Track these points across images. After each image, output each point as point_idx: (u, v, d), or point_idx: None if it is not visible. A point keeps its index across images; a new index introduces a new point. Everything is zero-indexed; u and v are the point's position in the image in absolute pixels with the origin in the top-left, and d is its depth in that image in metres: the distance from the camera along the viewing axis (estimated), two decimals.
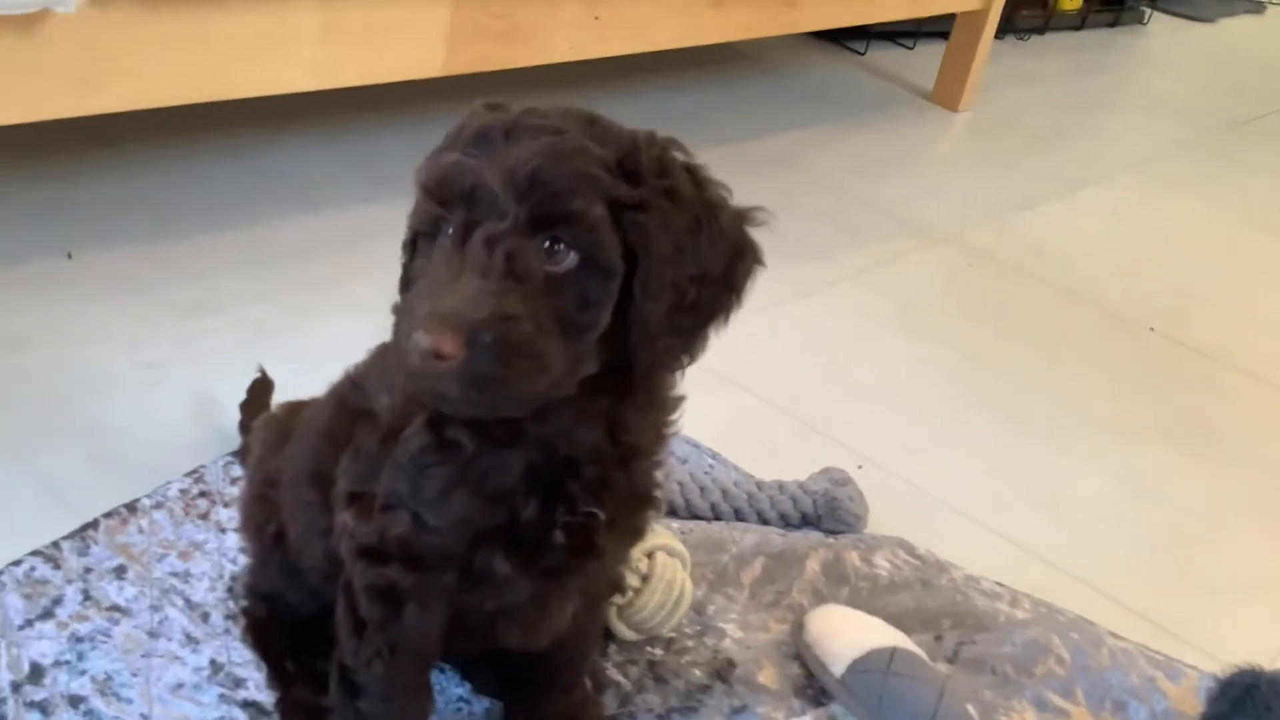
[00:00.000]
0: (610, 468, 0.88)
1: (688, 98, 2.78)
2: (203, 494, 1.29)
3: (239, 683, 1.08)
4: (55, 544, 1.19)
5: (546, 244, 0.76)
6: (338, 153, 2.18)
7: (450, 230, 0.77)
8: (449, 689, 1.12)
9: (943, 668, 1.23)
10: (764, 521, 1.41)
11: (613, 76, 2.61)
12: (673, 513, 1.40)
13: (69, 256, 1.70)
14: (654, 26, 2.18)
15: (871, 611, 1.25)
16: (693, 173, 0.83)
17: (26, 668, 1.06)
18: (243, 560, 1.19)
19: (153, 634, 1.11)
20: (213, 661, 1.10)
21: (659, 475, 0.94)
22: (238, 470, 1.32)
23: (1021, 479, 1.64)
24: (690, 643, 1.22)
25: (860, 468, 1.54)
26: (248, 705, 1.07)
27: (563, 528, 0.88)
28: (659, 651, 1.20)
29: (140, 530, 1.23)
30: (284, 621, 1.11)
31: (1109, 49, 4.02)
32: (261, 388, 1.37)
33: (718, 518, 1.41)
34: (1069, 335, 2.06)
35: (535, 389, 0.76)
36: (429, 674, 1.01)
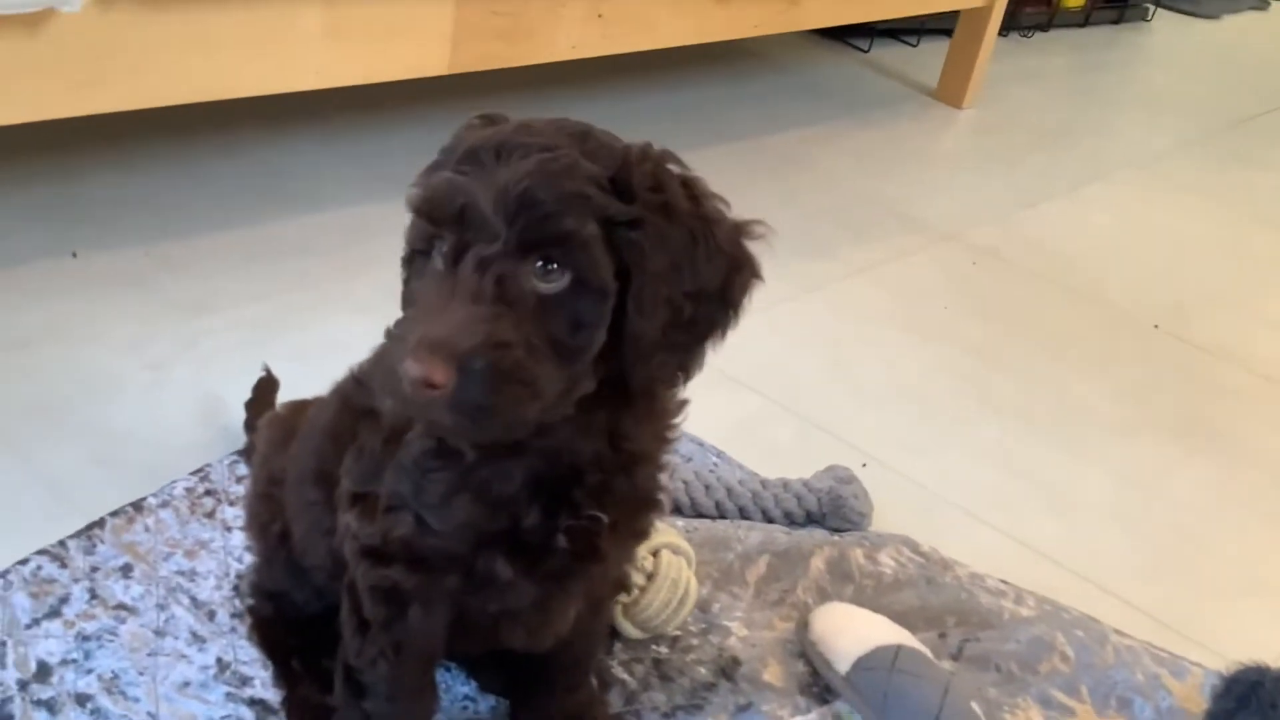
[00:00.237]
0: (612, 474, 0.88)
1: (691, 95, 2.78)
2: (208, 493, 1.29)
3: (245, 681, 1.09)
4: (62, 543, 1.19)
5: (539, 264, 0.75)
6: (341, 152, 2.18)
7: (442, 251, 0.77)
8: (455, 687, 1.13)
9: (947, 665, 1.23)
10: (769, 519, 1.41)
11: (617, 74, 2.61)
12: (677, 511, 1.40)
13: (73, 256, 1.71)
14: (658, 24, 2.18)
15: (876, 609, 1.26)
16: (689, 186, 0.81)
17: (34, 666, 1.06)
18: (248, 559, 1.19)
19: (159, 632, 1.12)
20: (219, 660, 1.10)
21: (662, 478, 0.94)
22: (243, 469, 1.32)
23: (1026, 477, 1.64)
24: (695, 641, 1.22)
25: (864, 466, 1.54)
26: (254, 703, 1.07)
27: (565, 532, 0.88)
28: (664, 649, 1.20)
29: (146, 529, 1.23)
30: (290, 620, 1.11)
31: (1113, 46, 4.02)
32: (266, 386, 1.37)
33: (722, 516, 1.41)
34: (1073, 333, 2.06)
35: (528, 415, 0.76)
36: (434, 673, 1.01)
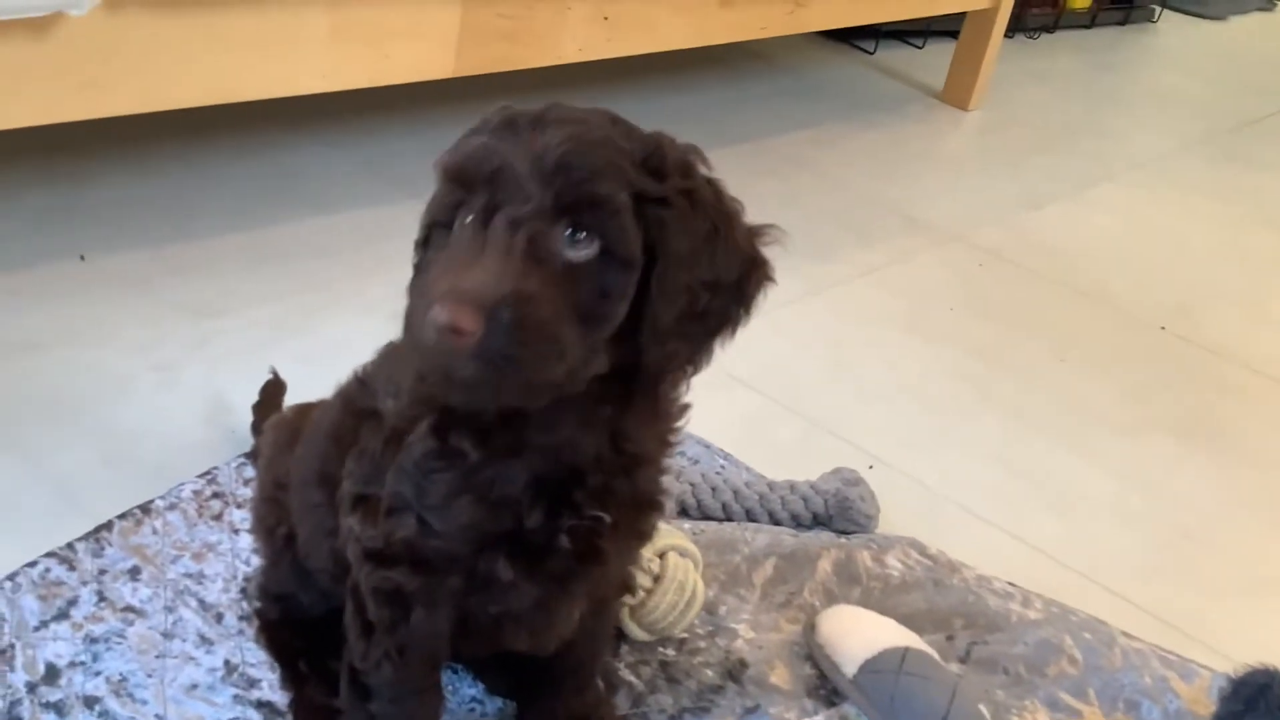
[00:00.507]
0: (614, 475, 0.88)
1: (697, 97, 2.78)
2: (216, 495, 1.30)
3: (253, 683, 1.09)
4: (70, 545, 1.20)
5: (569, 232, 0.76)
6: (349, 154, 2.19)
7: (470, 215, 0.77)
8: (461, 689, 1.13)
9: (955, 668, 1.23)
10: (775, 522, 1.41)
11: (622, 76, 2.61)
12: (684, 513, 1.40)
13: (81, 259, 1.71)
14: (663, 27, 2.18)
15: (883, 611, 1.25)
16: (711, 184, 0.83)
17: (42, 669, 1.06)
18: (255, 561, 1.19)
19: (167, 635, 1.12)
20: (227, 662, 1.10)
21: (667, 480, 0.94)
22: (250, 472, 1.32)
23: (1032, 478, 1.64)
24: (702, 643, 1.22)
25: (871, 467, 1.54)
26: (261, 706, 1.07)
27: (567, 532, 0.88)
28: (671, 652, 1.20)
29: (154, 531, 1.24)
30: (296, 622, 1.12)
31: (1119, 47, 4.01)
32: (274, 389, 1.37)
33: (729, 518, 1.41)
34: (1079, 334, 2.06)
35: (549, 375, 0.75)
36: (439, 675, 1.01)
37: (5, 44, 1.37)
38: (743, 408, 1.66)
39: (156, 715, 1.04)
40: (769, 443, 1.59)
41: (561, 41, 2.01)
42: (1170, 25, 4.33)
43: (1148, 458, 1.74)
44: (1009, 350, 1.96)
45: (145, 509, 1.26)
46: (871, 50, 3.36)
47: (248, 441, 1.35)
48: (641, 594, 1.16)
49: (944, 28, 3.36)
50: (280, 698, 1.08)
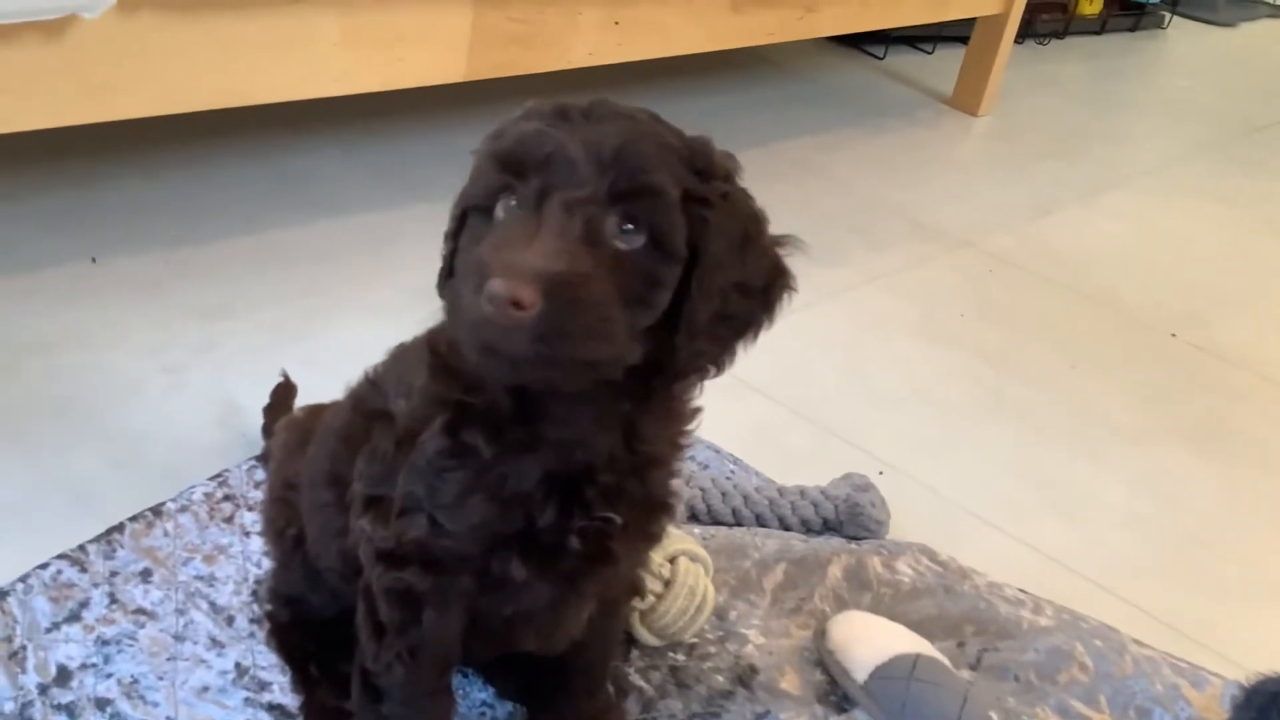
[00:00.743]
0: (626, 476, 0.88)
1: (707, 102, 2.78)
2: (227, 498, 1.30)
3: (264, 686, 1.09)
4: (81, 547, 1.20)
5: (619, 221, 0.76)
6: (360, 158, 2.19)
7: (514, 199, 0.77)
8: (472, 693, 1.13)
9: (965, 675, 1.22)
10: (785, 527, 1.41)
11: (632, 81, 2.62)
12: (694, 518, 1.40)
13: (93, 261, 1.71)
14: (673, 32, 2.19)
15: (894, 618, 1.25)
16: (744, 191, 0.85)
17: (54, 670, 1.06)
18: (267, 564, 1.19)
19: (178, 637, 1.12)
20: (238, 665, 1.10)
21: (675, 483, 0.94)
22: (261, 474, 1.33)
23: (1043, 485, 1.64)
24: (712, 648, 1.22)
25: (881, 473, 1.54)
26: (272, 708, 1.07)
27: (578, 533, 0.88)
28: (681, 657, 1.20)
29: (165, 534, 1.24)
30: (307, 625, 1.12)
31: (1129, 53, 4.01)
32: (284, 392, 1.38)
33: (739, 523, 1.41)
34: (1089, 340, 2.06)
35: (599, 355, 0.76)
36: (450, 678, 1.01)
37: (18, 47, 1.38)
38: (753, 413, 1.66)
39: (168, 718, 1.04)
40: (779, 448, 1.59)
41: (572, 46, 2.01)
42: (1180, 31, 4.33)
43: (1158, 464, 1.73)
44: (1019, 356, 1.95)
45: (157, 511, 1.26)
46: (881, 56, 3.36)
47: (258, 444, 1.35)
48: (652, 599, 1.16)
49: (954, 33, 3.36)
50: (291, 700, 1.08)
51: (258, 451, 1.35)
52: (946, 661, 1.19)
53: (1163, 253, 2.49)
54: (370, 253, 1.87)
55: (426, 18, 1.79)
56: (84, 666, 1.07)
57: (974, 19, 3.01)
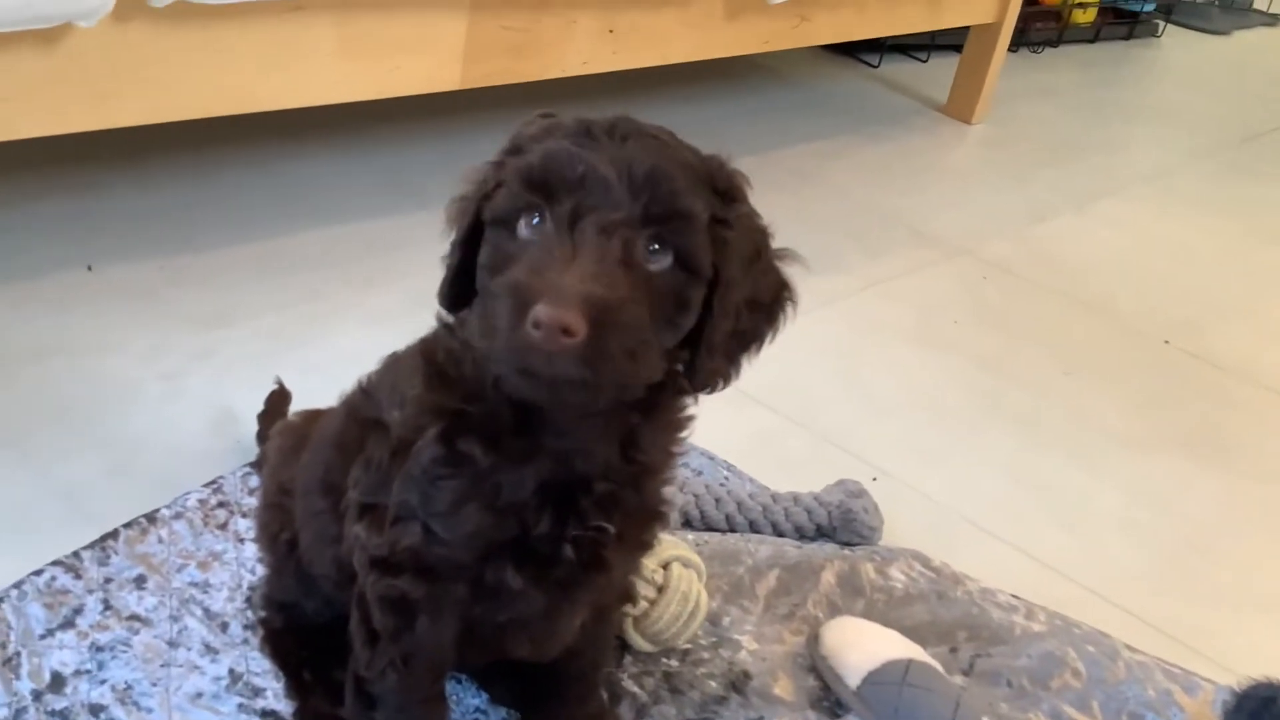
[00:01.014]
0: (621, 484, 0.88)
1: (702, 109, 2.79)
2: (221, 504, 1.30)
3: (257, 692, 1.09)
4: (76, 554, 1.20)
5: (649, 243, 0.77)
6: (356, 166, 2.20)
7: (536, 217, 0.77)
8: (465, 699, 1.13)
9: (958, 680, 1.23)
10: (779, 533, 1.42)
11: (627, 89, 2.62)
12: (688, 524, 1.40)
13: (89, 269, 1.72)
14: (669, 40, 2.19)
15: (886, 624, 1.26)
16: (751, 208, 0.86)
17: (48, 677, 1.06)
18: (261, 570, 1.20)
19: (172, 643, 1.12)
20: (231, 671, 1.11)
21: (668, 490, 0.95)
22: (255, 481, 1.33)
23: (1037, 491, 1.64)
24: (706, 654, 1.22)
25: (875, 480, 1.55)
26: (266, 715, 1.07)
27: (572, 542, 0.88)
28: (674, 663, 1.20)
29: (160, 540, 1.24)
30: (301, 631, 1.12)
31: (1123, 62, 4.02)
32: (279, 399, 1.38)
33: (733, 529, 1.41)
34: (1084, 348, 2.06)
35: (637, 377, 0.78)
36: (443, 684, 1.01)
37: (15, 55, 1.38)
38: (747, 420, 1.66)
39: None
40: (772, 454, 1.59)
41: (567, 54, 2.02)
42: (1174, 40, 4.34)
43: (1153, 471, 1.74)
44: (1015, 362, 1.96)
45: (151, 518, 1.26)
46: (876, 64, 3.37)
47: (253, 451, 1.35)
48: (645, 605, 1.17)
49: (948, 42, 3.37)
50: (285, 707, 1.08)
51: (252, 458, 1.36)
52: (939, 667, 1.19)
53: (1158, 260, 2.49)
54: (368, 259, 1.87)
55: (422, 26, 1.79)
56: (78, 673, 1.07)
57: (968, 27, 3.02)
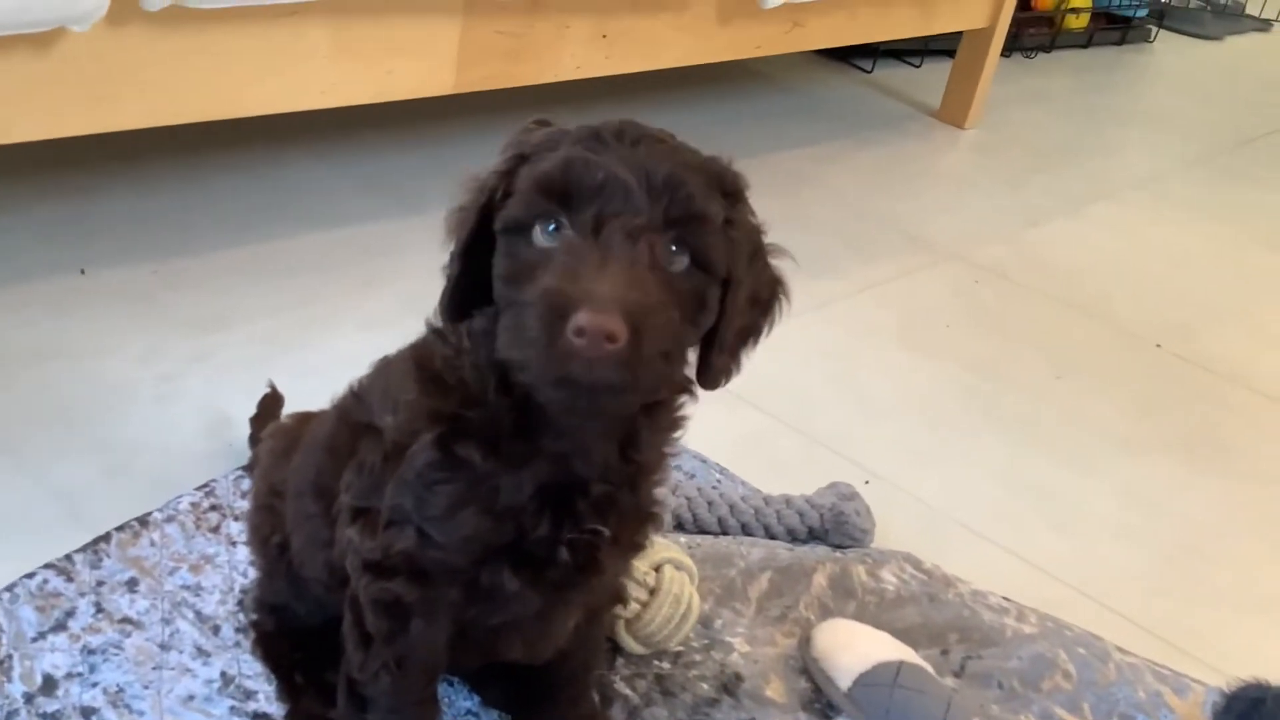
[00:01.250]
0: (618, 486, 0.89)
1: (696, 114, 2.80)
2: (214, 508, 1.30)
3: (249, 695, 1.09)
4: (68, 557, 1.20)
5: (670, 246, 0.78)
6: (349, 170, 2.20)
7: (555, 224, 0.77)
8: (458, 702, 1.13)
9: (949, 682, 1.23)
10: (771, 536, 1.42)
11: (621, 94, 2.63)
12: (680, 527, 1.40)
13: (82, 273, 1.72)
14: (662, 45, 2.20)
15: (878, 626, 1.26)
16: (749, 206, 0.87)
17: (39, 679, 1.07)
18: (253, 574, 1.20)
19: (164, 646, 1.12)
20: (223, 674, 1.11)
21: (659, 492, 0.95)
22: (248, 484, 1.33)
23: (1029, 493, 1.64)
24: (698, 656, 1.22)
25: (867, 482, 1.55)
26: (258, 717, 1.07)
27: (567, 544, 0.88)
28: (666, 665, 1.21)
29: (152, 543, 1.24)
30: (292, 633, 1.12)
31: (1116, 67, 4.03)
32: (271, 403, 1.38)
33: (725, 532, 1.41)
34: (1077, 351, 2.07)
35: (670, 379, 0.80)
36: (436, 687, 1.01)
37: (8, 59, 1.39)
38: (739, 422, 1.66)
39: None
40: (765, 457, 1.60)
41: (560, 59, 2.03)
42: (1167, 45, 4.35)
43: (1145, 474, 1.74)
44: (1007, 366, 1.96)
45: (143, 521, 1.27)
46: (869, 69, 3.38)
47: (245, 454, 1.36)
48: (637, 607, 1.17)
49: (941, 47, 3.38)
50: (277, 709, 1.08)
51: (245, 461, 1.36)
52: (930, 669, 1.19)
53: (1152, 264, 2.50)
54: (361, 264, 1.87)
55: (416, 31, 1.80)
56: (70, 675, 1.07)
57: (961, 33, 3.03)
